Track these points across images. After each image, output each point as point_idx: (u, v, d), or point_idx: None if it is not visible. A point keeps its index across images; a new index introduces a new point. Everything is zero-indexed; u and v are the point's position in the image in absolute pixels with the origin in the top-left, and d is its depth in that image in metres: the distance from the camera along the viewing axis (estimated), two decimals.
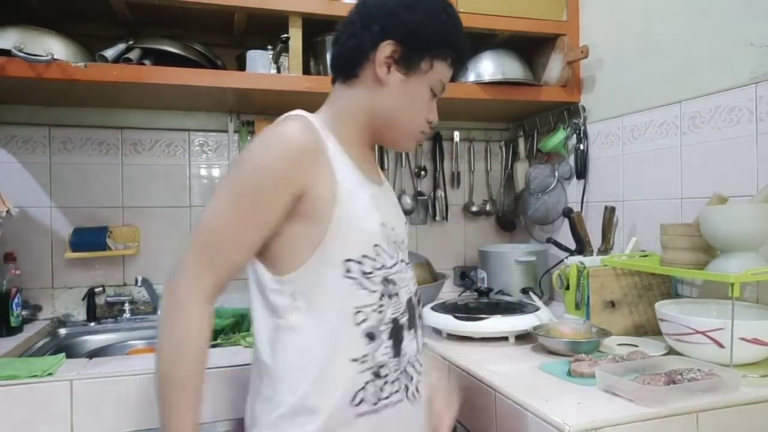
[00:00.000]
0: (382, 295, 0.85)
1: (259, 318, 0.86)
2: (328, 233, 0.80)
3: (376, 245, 0.85)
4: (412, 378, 0.89)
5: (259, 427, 0.85)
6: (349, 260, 0.82)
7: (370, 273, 0.83)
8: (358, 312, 0.83)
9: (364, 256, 0.83)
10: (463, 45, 0.93)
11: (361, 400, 0.82)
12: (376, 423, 0.83)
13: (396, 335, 0.86)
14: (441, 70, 0.91)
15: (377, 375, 0.83)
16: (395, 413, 0.85)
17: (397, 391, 0.85)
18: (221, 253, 0.79)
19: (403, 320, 0.88)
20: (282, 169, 0.79)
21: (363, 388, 0.82)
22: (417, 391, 0.90)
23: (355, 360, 0.82)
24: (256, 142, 0.82)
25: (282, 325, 0.83)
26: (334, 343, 0.82)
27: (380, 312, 0.84)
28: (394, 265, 0.88)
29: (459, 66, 0.96)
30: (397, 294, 0.87)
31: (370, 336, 0.83)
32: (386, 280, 0.85)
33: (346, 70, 0.91)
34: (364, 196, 0.86)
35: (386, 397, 0.84)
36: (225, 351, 1.34)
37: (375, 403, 0.83)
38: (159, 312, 0.81)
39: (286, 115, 0.84)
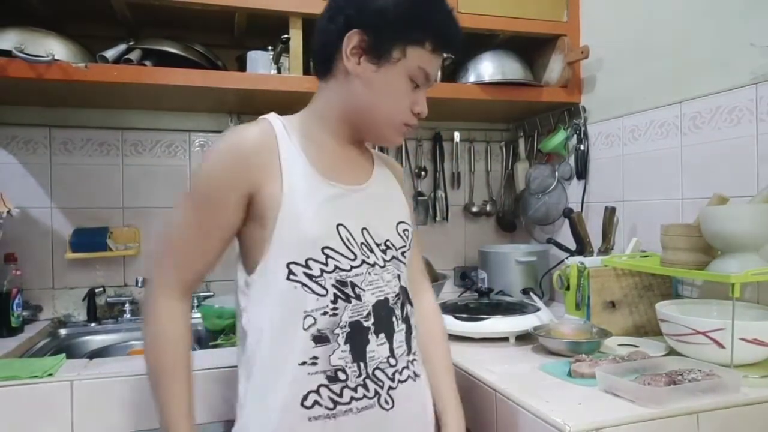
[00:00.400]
0: (336, 298, 0.82)
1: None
2: (273, 235, 0.80)
3: (326, 248, 0.81)
4: (383, 383, 0.85)
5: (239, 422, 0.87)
6: (291, 263, 0.81)
7: (319, 276, 0.81)
8: (307, 316, 0.81)
9: (309, 259, 0.81)
10: (443, 26, 0.87)
11: (315, 402, 0.80)
12: (333, 428, 0.81)
13: (355, 339, 0.83)
14: (419, 56, 0.85)
15: (333, 379, 0.81)
16: (359, 419, 0.82)
17: (363, 397, 0.82)
18: (181, 258, 0.84)
19: (368, 323, 0.84)
20: (226, 172, 0.81)
21: (316, 391, 0.80)
22: (391, 398, 0.85)
23: (303, 363, 0.80)
24: (209, 149, 0.89)
25: (243, 325, 0.86)
26: (280, 345, 0.81)
27: (334, 315, 0.82)
28: (356, 267, 0.84)
29: (445, 49, 0.89)
30: (358, 296, 0.83)
31: (321, 339, 0.81)
32: (340, 283, 0.82)
33: (321, 66, 0.89)
34: (317, 197, 0.83)
35: (346, 402, 0.81)
36: (224, 351, 1.34)
37: (331, 408, 0.81)
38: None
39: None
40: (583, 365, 1.03)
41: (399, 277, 0.90)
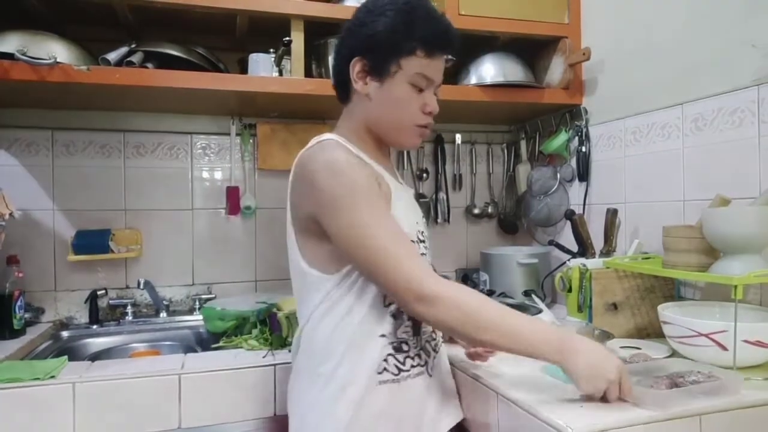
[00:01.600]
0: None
1: (306, 302, 0.98)
2: None
3: (411, 242, 0.95)
4: (430, 354, 1.02)
5: (301, 402, 1.00)
6: None
7: None
8: (386, 294, 0.94)
9: None
10: (428, 32, 0.96)
11: (384, 369, 0.95)
12: (396, 391, 0.95)
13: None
14: (414, 64, 0.96)
15: (398, 349, 0.97)
16: (415, 384, 0.98)
17: (417, 365, 0.99)
18: (406, 247, 0.90)
19: None
20: (360, 170, 0.92)
21: (385, 359, 0.95)
22: (434, 365, 1.03)
23: (383, 336, 0.95)
24: (321, 164, 0.92)
25: (327, 308, 0.96)
26: (368, 322, 0.95)
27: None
28: (422, 255, 0.99)
29: (437, 51, 0.98)
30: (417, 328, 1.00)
31: (395, 316, 0.96)
32: None
33: (341, 92, 1.05)
34: (401, 199, 1.00)
35: (407, 370, 0.97)
36: (228, 353, 1.34)
37: (396, 374, 0.96)
38: (440, 317, 0.89)
39: (317, 140, 0.96)
40: None
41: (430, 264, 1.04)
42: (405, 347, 0.98)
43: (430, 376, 1.02)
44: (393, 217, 0.93)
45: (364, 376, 0.94)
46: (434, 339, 1.04)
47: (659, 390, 0.89)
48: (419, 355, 1.00)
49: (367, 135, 1.03)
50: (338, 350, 0.94)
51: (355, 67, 0.97)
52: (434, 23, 0.97)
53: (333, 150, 0.93)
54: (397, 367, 0.96)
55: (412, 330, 0.99)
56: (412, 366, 0.98)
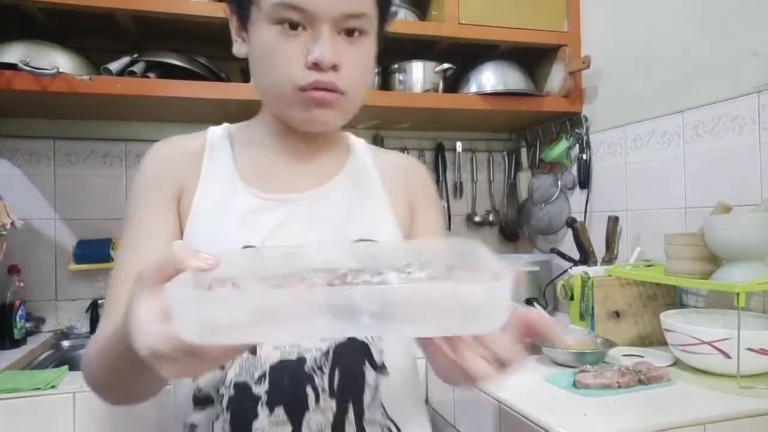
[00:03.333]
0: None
1: None
2: None
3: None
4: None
5: None
6: None
7: None
8: None
9: None
10: None
11: None
12: None
13: (238, 408, 0.60)
14: None
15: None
16: None
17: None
18: (115, 295, 0.69)
19: (258, 390, 0.60)
20: (145, 168, 0.74)
21: None
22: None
23: (185, 427, 0.64)
24: None
25: None
26: (170, 402, 0.66)
27: (221, 368, 0.61)
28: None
29: None
30: (253, 350, 0.61)
31: (202, 401, 0.62)
32: None
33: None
34: (227, 212, 0.66)
35: None
36: None
37: None
38: None
39: None
40: (588, 376, 1.02)
41: None
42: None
43: None
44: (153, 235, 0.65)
45: None
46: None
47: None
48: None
49: (272, 117, 0.73)
50: None
51: (232, 23, 0.70)
52: None
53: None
54: None
55: (230, 429, 0.61)
56: None
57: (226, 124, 0.77)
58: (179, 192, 0.68)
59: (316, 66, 0.62)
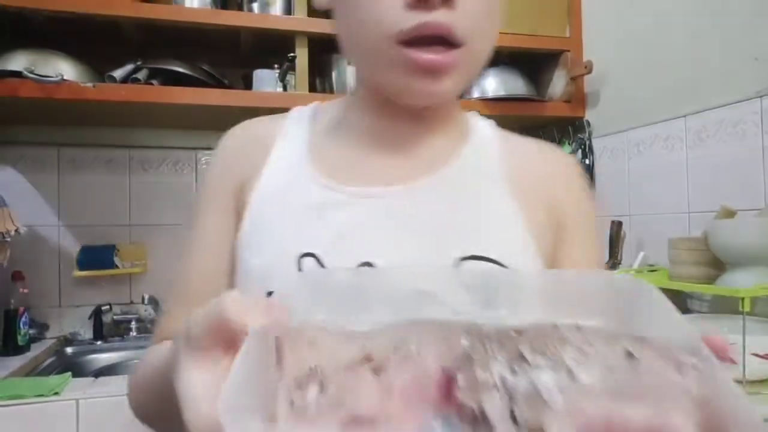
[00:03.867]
0: None
1: None
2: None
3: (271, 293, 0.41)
4: None
5: None
6: None
7: None
8: None
9: None
10: None
11: None
12: None
13: None
14: None
15: None
16: None
17: None
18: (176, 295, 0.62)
19: None
20: (216, 160, 0.66)
21: None
22: None
23: None
24: None
25: None
26: None
27: None
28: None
29: None
30: None
31: None
32: None
33: None
34: (287, 208, 0.52)
35: None
36: None
37: None
38: None
39: None
40: None
41: None
42: None
43: None
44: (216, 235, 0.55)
45: None
46: None
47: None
48: None
49: (364, 87, 0.56)
50: None
51: None
52: None
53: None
54: None
55: None
56: None
57: (316, 102, 0.62)
58: (239, 188, 0.56)
59: (419, 2, 0.43)
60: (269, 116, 0.61)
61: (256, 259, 0.50)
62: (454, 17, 0.43)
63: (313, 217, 0.50)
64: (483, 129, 0.59)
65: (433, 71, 0.45)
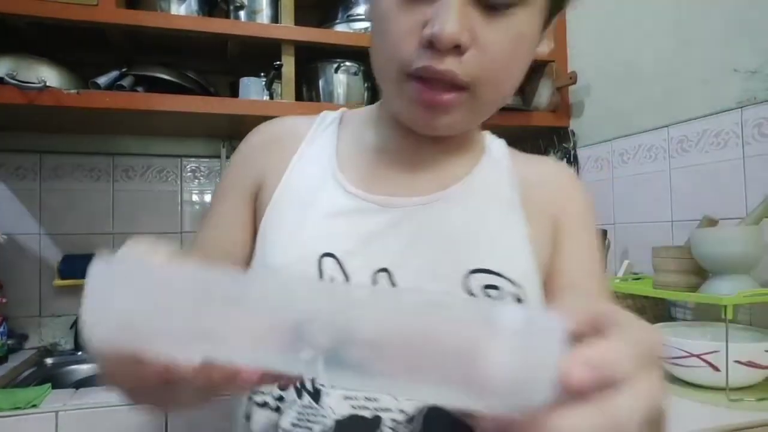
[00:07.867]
0: (284, 388, 0.51)
1: None
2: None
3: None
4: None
5: None
6: None
7: None
8: (250, 398, 0.53)
9: None
10: None
11: None
12: None
13: None
14: None
15: None
16: None
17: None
18: None
19: None
20: (240, 154, 0.67)
21: None
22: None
23: None
24: None
25: None
26: None
27: (276, 410, 0.51)
28: None
29: None
30: (316, 395, 0.49)
31: None
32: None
33: None
34: (312, 210, 0.54)
35: None
36: None
37: None
38: None
39: None
40: None
41: None
42: None
43: None
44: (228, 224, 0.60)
45: None
46: None
47: None
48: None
49: (376, 115, 0.62)
50: None
51: None
52: None
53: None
54: None
55: None
56: None
57: (343, 108, 0.65)
58: (258, 184, 0.59)
59: (431, 45, 0.45)
60: (297, 117, 0.66)
61: (279, 257, 0.53)
62: (461, 65, 0.46)
63: (340, 222, 0.53)
64: (496, 148, 0.64)
65: (432, 107, 0.49)
